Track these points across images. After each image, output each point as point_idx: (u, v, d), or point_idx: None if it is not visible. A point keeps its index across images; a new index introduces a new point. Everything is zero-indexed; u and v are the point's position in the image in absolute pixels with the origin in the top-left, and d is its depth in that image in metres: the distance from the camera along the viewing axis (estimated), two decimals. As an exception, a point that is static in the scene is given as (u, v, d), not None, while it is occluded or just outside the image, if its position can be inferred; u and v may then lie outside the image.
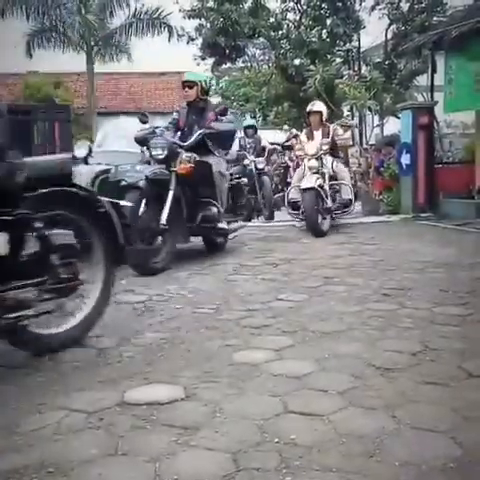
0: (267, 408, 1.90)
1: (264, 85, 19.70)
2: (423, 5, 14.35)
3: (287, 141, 8.57)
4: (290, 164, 17.55)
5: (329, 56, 15.66)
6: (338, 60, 16.23)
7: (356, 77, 11.37)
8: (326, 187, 6.70)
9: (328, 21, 15.56)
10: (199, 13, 15.51)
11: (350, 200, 7.08)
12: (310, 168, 6.75)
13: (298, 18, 16.09)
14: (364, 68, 15.21)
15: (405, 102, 11.81)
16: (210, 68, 18.04)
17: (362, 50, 15.96)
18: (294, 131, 8.03)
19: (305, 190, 6.53)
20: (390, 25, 14.94)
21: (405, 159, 9.15)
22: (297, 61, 15.60)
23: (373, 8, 14.92)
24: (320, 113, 7.30)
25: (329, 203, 6.65)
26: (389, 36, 15.05)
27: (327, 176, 6.79)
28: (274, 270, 4.53)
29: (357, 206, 10.56)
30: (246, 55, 17.89)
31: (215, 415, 1.86)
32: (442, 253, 5.17)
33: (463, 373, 2.20)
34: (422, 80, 15.09)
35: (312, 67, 12.46)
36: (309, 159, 6.84)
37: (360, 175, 10.69)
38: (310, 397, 1.99)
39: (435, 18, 13.79)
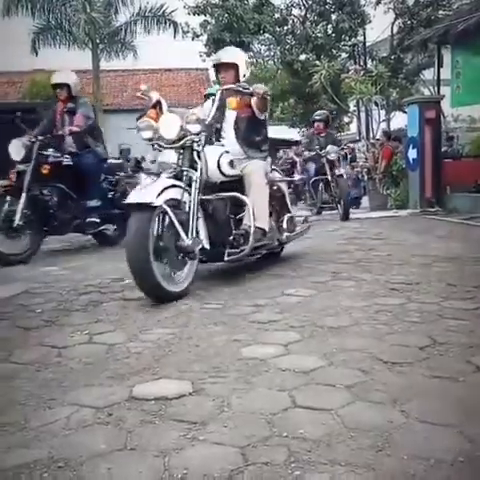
0: (275, 403, 1.90)
1: (270, 81, 19.72)
2: (429, -1, 14.31)
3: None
4: (297, 160, 17.52)
5: (335, 51, 15.69)
6: (344, 55, 16.25)
7: (362, 72, 11.35)
8: (190, 204, 3.53)
9: (333, 16, 15.58)
10: (204, 9, 15.54)
11: (263, 231, 4.04)
12: (161, 166, 3.78)
13: (303, 13, 16.11)
14: (370, 63, 15.21)
15: (411, 96, 11.78)
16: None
17: (368, 44, 15.97)
18: (155, 96, 4.19)
19: (133, 208, 3.35)
20: (396, 19, 14.93)
21: (412, 154, 9.14)
22: (303, 56, 15.63)
23: (378, 2, 14.92)
24: (234, 67, 4.27)
25: (187, 239, 3.42)
26: (395, 30, 15.04)
27: (197, 184, 3.59)
28: (280, 265, 4.54)
29: (364, 203, 10.59)
30: (251, 51, 17.92)
31: (223, 410, 1.86)
32: (450, 247, 5.16)
33: (471, 367, 2.19)
34: (428, 74, 15.05)
35: (318, 62, 12.47)
36: (160, 150, 3.82)
37: (367, 170, 10.68)
38: (318, 391, 1.99)
39: (441, 12, 13.77)
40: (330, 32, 15.63)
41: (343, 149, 9.32)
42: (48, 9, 19.35)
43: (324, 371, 2.19)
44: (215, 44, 15.83)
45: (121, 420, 1.81)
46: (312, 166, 8.99)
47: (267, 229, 4.12)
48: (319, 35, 15.27)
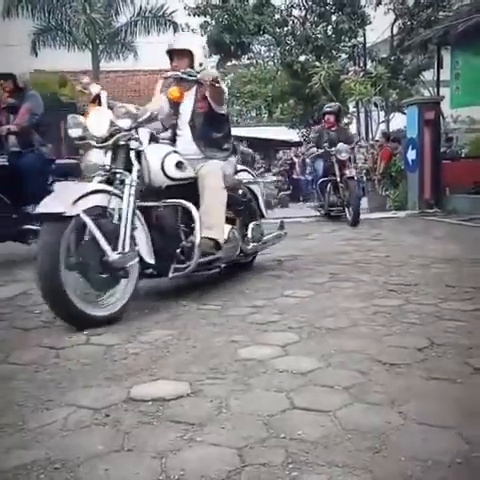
0: (273, 404, 1.90)
1: (269, 82, 19.74)
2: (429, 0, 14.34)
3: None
4: (296, 160, 17.50)
5: (334, 52, 15.69)
6: (343, 56, 16.26)
7: (362, 73, 11.36)
8: (122, 212, 3.01)
9: (333, 17, 15.58)
10: (204, 10, 15.53)
11: (215, 242, 3.55)
12: (87, 169, 3.23)
13: (303, 14, 16.11)
14: (370, 64, 15.22)
15: (411, 97, 11.79)
16: (216, 65, 18.08)
17: (368, 46, 15.97)
18: (95, 90, 3.41)
19: (44, 218, 2.90)
20: (396, 20, 14.95)
21: (411, 155, 9.14)
22: (302, 57, 15.62)
23: (379, 3, 14.92)
24: (189, 55, 3.80)
25: (113, 253, 2.91)
26: (395, 31, 15.05)
27: (132, 188, 3.08)
28: (279, 266, 4.54)
29: (363, 204, 10.57)
30: (251, 52, 17.93)
31: (221, 411, 1.86)
32: (448, 249, 5.16)
33: (469, 368, 2.19)
34: (428, 75, 15.07)
35: (317, 63, 12.49)
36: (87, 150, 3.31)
37: (366, 171, 10.68)
38: (316, 393, 1.99)
39: (441, 13, 13.78)
40: (330, 33, 15.62)
41: (353, 148, 8.67)
42: (48, 10, 19.40)
43: (322, 372, 2.19)
44: (215, 45, 15.84)
45: (118, 421, 1.81)
46: (320, 165, 8.32)
47: (221, 240, 3.60)
48: (319, 36, 15.26)
